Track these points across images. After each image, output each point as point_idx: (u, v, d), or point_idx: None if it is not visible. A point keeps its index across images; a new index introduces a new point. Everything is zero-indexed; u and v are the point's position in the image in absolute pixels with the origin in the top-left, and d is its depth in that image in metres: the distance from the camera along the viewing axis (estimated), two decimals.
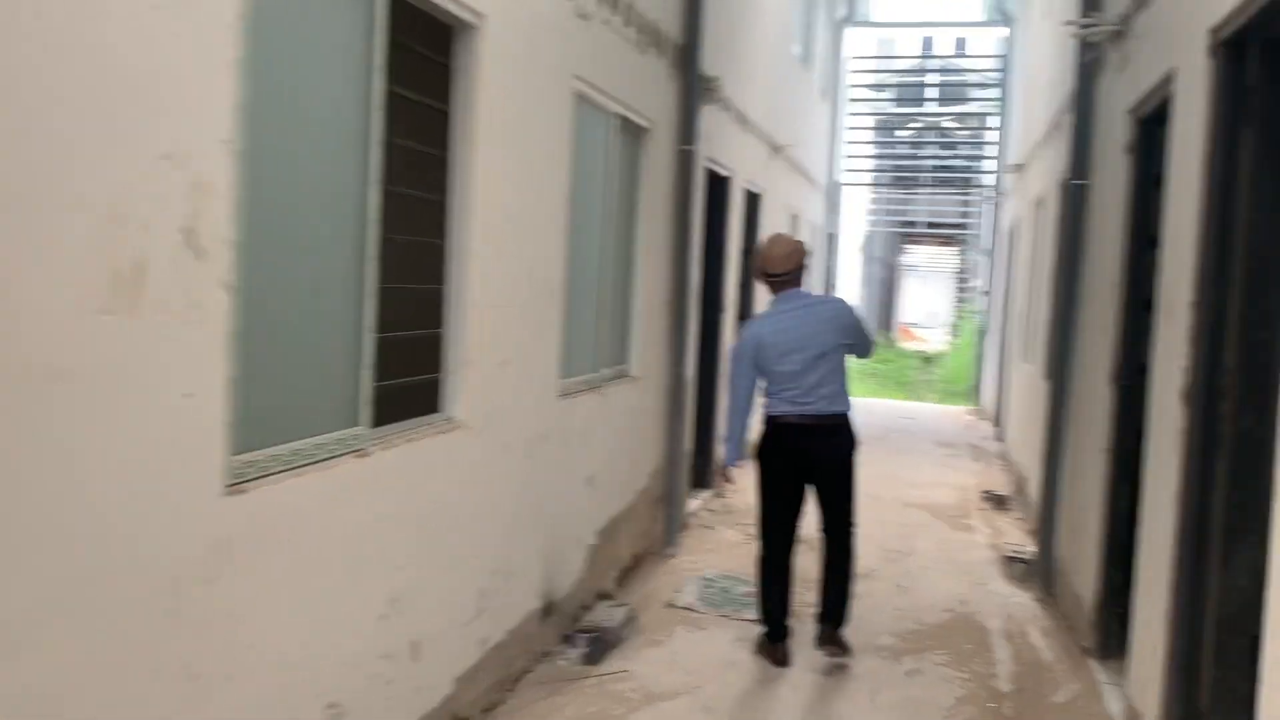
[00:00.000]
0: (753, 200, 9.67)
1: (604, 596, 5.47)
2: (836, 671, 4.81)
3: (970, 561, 6.89)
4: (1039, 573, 6.20)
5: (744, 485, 8.79)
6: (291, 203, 2.87)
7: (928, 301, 32.61)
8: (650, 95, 5.88)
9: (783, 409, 4.78)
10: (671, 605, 5.57)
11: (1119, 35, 5.01)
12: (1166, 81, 3.94)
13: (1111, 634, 4.82)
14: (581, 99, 4.84)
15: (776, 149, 10.25)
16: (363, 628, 3.18)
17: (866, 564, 6.50)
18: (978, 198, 22.78)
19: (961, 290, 27.56)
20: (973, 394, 16.87)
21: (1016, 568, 6.55)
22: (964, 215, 23.25)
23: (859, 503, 5.06)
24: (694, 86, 6.44)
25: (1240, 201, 3.28)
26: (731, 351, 4.96)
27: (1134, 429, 4.83)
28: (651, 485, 6.43)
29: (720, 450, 5.27)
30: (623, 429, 5.76)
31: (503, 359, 4.07)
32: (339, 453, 3.03)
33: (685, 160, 6.46)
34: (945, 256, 31.01)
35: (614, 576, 5.70)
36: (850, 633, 5.32)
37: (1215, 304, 3.33)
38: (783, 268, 4.86)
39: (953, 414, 16.01)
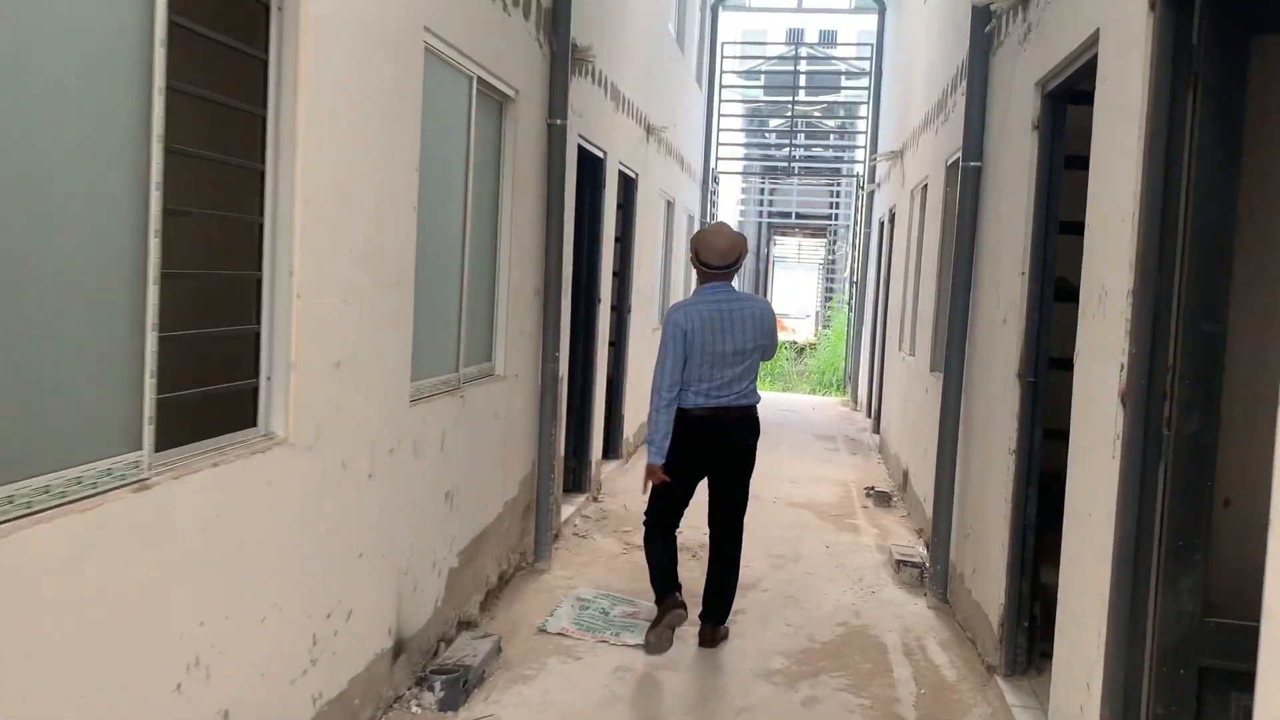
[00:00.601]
0: (628, 184, 9.14)
1: (467, 625, 4.86)
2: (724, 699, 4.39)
3: (859, 566, 6.52)
4: (933, 578, 5.85)
5: (619, 488, 8.29)
6: (26, 157, 2.16)
7: (798, 292, 32.79)
8: (516, 60, 5.26)
9: (697, 401, 4.77)
10: (543, 631, 4.99)
11: (1023, 2, 4.65)
12: (1089, 45, 3.56)
13: (1019, 649, 4.48)
14: (434, 55, 4.20)
15: (652, 131, 9.75)
16: (151, 706, 2.50)
17: (752, 572, 6.07)
18: (848, 188, 22.93)
19: (830, 281, 27.76)
20: (846, 385, 16.80)
21: (908, 572, 6.21)
22: (832, 206, 23.33)
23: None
24: (564, 54, 5.85)
25: (1185, 177, 2.89)
26: (662, 336, 4.86)
27: (1044, 429, 4.50)
28: (521, 494, 5.84)
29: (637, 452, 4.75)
30: (487, 435, 5.14)
31: (338, 359, 3.41)
32: (108, 487, 2.34)
33: (555, 135, 5.87)
34: (813, 247, 31.22)
35: (479, 601, 5.09)
36: (742, 653, 4.88)
37: (1157, 293, 2.94)
38: (721, 261, 4.88)
39: (827, 405, 15.89)
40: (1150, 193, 2.92)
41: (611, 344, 9.12)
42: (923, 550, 6.78)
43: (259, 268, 3.09)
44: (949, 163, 7.05)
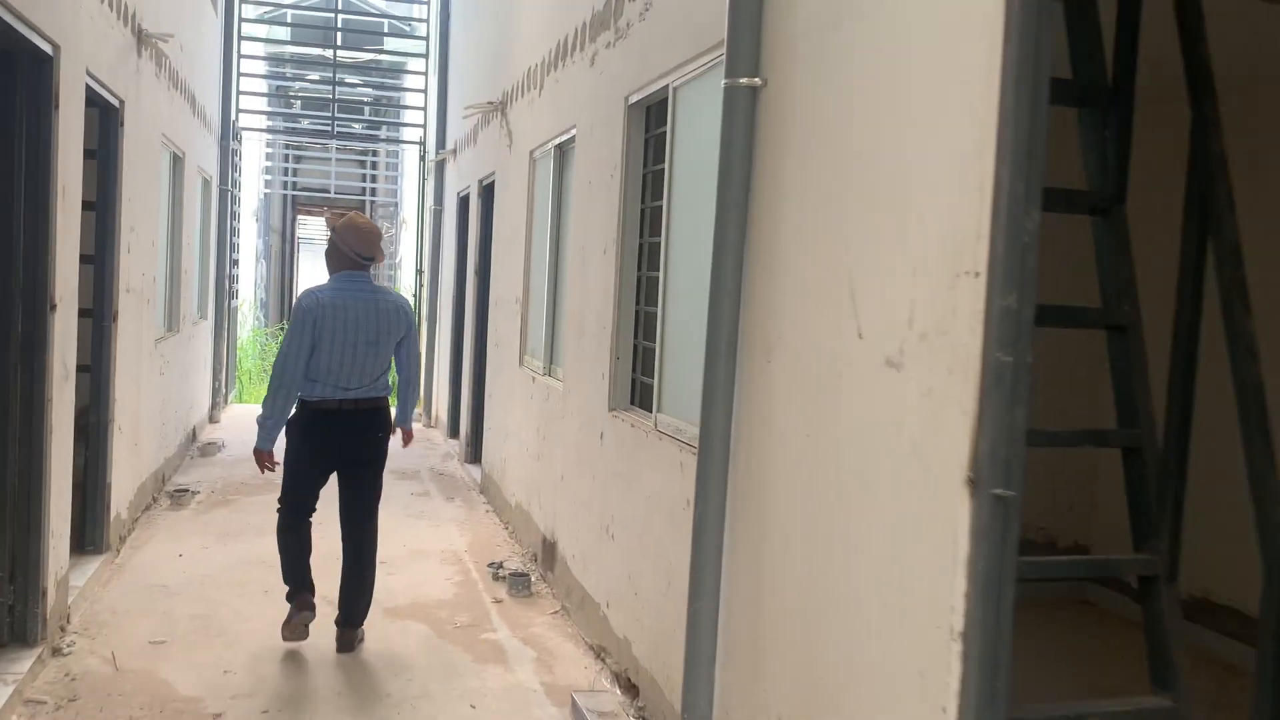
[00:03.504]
0: (109, 116, 5.77)
1: None
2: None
3: None
4: None
5: (107, 612, 4.91)
6: None
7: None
8: None
9: (324, 393, 4.67)
10: None
11: None
12: None
13: None
14: None
15: (146, 40, 6.36)
16: None
17: None
18: (390, 159, 20.17)
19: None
20: None
21: None
22: (367, 179, 20.41)
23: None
24: None
25: None
26: (290, 322, 4.69)
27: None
28: None
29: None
30: None
31: None
32: None
33: None
34: None
35: None
36: None
37: None
38: (368, 250, 4.77)
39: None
40: None
41: (84, 370, 5.74)
42: (617, 692, 4.42)
43: None
44: (634, 100, 4.71)
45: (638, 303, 4.87)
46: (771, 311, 3.15)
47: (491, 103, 8.34)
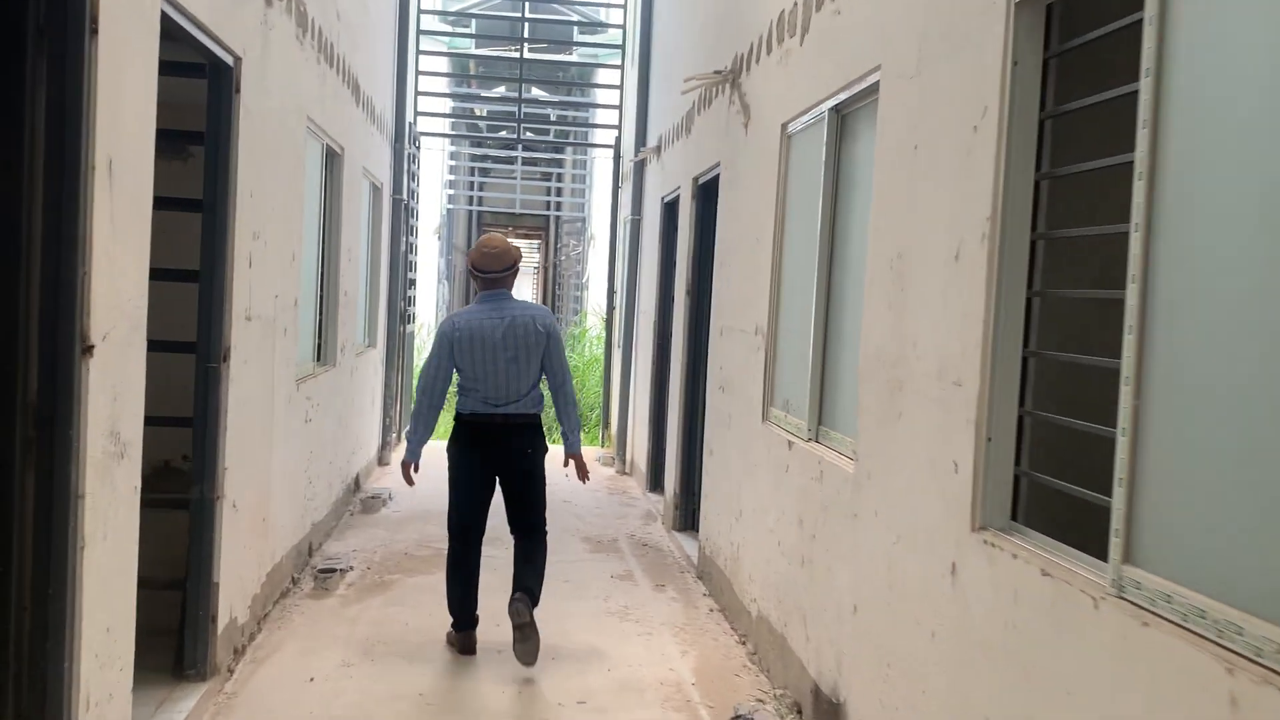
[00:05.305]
0: (220, 75, 4.18)
1: None
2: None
3: None
4: None
5: None
6: None
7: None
8: None
9: (474, 408, 4.85)
10: None
11: None
12: None
13: None
14: None
15: None
16: None
17: None
18: (578, 170, 18.79)
19: (558, 288, 23.49)
20: (602, 431, 12.35)
21: None
22: (551, 193, 19.02)
23: None
24: None
25: None
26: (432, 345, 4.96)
27: None
28: None
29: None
30: None
31: None
32: None
33: None
34: (526, 249, 26.64)
35: None
36: None
37: None
38: (495, 265, 4.88)
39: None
40: None
41: (183, 424, 4.20)
42: None
43: None
44: None
45: (1025, 344, 2.83)
46: None
47: (719, 72, 6.45)
